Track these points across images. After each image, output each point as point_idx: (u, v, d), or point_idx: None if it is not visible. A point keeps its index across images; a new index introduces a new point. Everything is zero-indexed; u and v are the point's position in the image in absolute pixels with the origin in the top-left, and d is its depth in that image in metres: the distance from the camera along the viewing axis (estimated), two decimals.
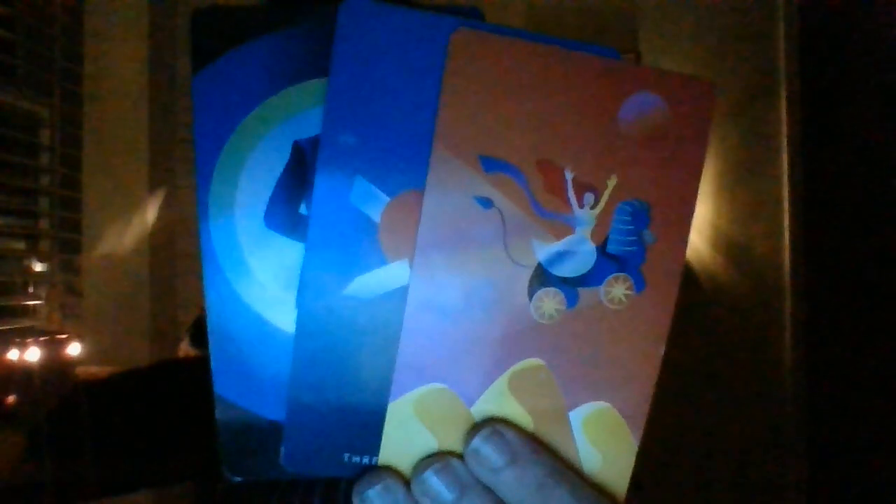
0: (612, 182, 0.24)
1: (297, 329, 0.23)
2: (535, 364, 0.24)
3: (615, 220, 0.24)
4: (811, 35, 1.20)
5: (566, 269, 0.24)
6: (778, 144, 1.19)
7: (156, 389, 0.55)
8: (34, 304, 1.19)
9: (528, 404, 0.24)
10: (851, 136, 1.19)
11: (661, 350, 0.25)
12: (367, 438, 0.24)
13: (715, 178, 1.26)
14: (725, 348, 1.24)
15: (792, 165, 1.19)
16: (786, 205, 1.19)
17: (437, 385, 0.23)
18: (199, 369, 0.43)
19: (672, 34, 1.32)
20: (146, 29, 1.26)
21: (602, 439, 0.25)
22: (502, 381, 0.24)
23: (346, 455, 0.24)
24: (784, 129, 1.19)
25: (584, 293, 0.24)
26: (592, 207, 0.24)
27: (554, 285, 0.24)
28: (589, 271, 0.24)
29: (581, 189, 0.24)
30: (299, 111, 0.23)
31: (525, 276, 0.24)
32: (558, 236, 0.24)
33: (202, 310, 0.24)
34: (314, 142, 0.23)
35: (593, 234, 0.24)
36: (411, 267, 0.23)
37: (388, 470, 0.23)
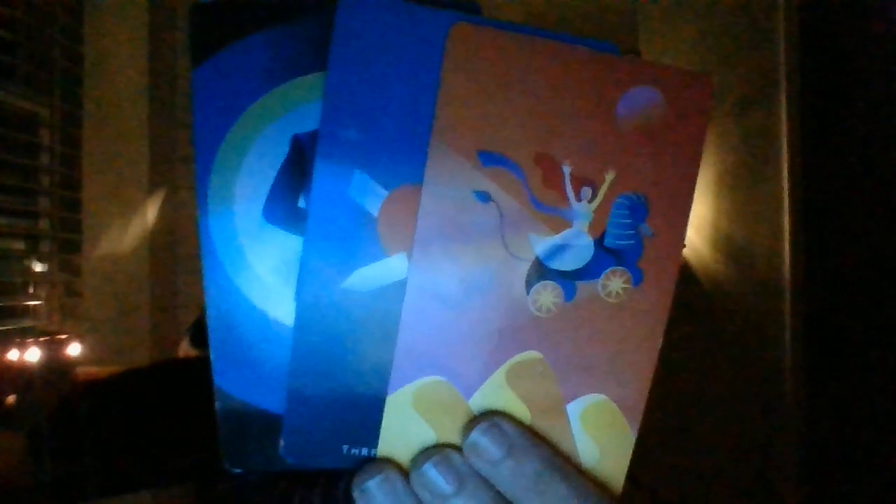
0: (609, 176, 0.24)
1: (296, 322, 0.23)
2: (532, 357, 0.24)
3: (613, 214, 0.24)
4: (811, 35, 1.20)
5: (564, 263, 0.24)
6: (778, 144, 1.19)
7: (156, 389, 0.55)
8: (34, 305, 1.19)
9: (526, 397, 0.24)
10: (851, 136, 1.19)
11: (659, 343, 0.25)
12: (367, 430, 0.24)
13: (715, 178, 1.26)
14: (725, 348, 1.24)
15: (792, 165, 1.19)
16: (786, 205, 1.19)
17: (436, 377, 0.24)
18: (199, 370, 0.43)
19: (672, 34, 1.32)
20: (146, 29, 1.26)
21: (599, 432, 0.25)
22: (500, 374, 0.24)
23: (346, 447, 0.24)
24: (784, 129, 1.19)
25: (582, 287, 0.24)
26: (590, 201, 0.24)
27: (552, 279, 0.24)
28: (586, 265, 0.24)
29: (579, 183, 0.24)
30: (299, 105, 0.23)
31: (523, 269, 0.24)
32: (556, 230, 0.24)
33: (202, 310, 0.24)
34: (313, 136, 0.23)
35: (591, 228, 0.24)
36: (410, 260, 0.23)
37: (388, 462, 0.24)
